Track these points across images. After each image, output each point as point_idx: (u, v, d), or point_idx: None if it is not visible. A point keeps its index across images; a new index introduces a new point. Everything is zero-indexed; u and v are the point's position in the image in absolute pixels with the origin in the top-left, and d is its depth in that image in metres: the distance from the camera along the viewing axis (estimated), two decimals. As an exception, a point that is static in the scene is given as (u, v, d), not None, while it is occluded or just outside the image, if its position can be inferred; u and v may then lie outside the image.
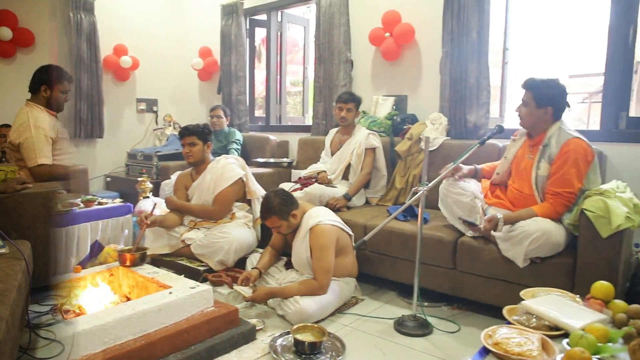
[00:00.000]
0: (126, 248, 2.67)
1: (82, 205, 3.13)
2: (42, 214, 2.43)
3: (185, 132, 3.16)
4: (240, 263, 3.00)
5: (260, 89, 5.64)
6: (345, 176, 3.45)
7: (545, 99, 2.29)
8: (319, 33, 4.07)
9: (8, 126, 3.56)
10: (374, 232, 2.41)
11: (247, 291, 2.54)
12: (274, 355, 2.08)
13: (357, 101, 3.44)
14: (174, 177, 3.79)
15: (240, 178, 3.17)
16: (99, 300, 2.23)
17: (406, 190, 3.31)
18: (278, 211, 2.53)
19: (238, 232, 3.01)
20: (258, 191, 3.26)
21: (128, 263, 2.48)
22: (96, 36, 4.68)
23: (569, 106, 2.36)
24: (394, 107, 3.70)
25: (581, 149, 2.24)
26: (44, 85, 2.88)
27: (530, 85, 2.33)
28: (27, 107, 2.86)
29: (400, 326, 2.40)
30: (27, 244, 2.26)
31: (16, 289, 1.69)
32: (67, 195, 3.00)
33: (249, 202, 3.28)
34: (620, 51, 2.72)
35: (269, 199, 2.56)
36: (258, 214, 2.98)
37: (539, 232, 2.18)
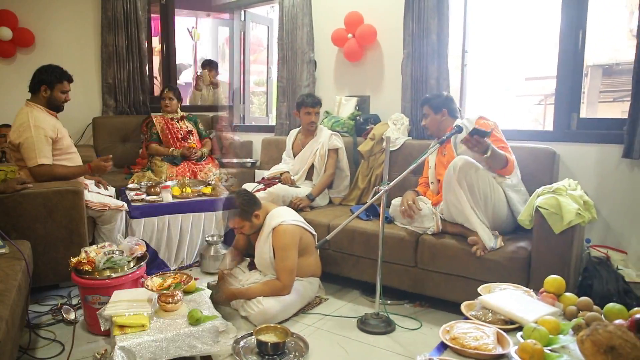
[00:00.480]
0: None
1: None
2: (42, 214, 2.41)
3: None
4: (203, 265, 2.96)
5: (224, 89, 5.57)
6: (309, 177, 3.45)
7: (439, 105, 2.78)
8: (282, 33, 4.05)
9: (8, 126, 3.50)
10: (336, 232, 2.43)
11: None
12: (237, 358, 2.06)
13: (321, 104, 3.44)
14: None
15: (202, 179, 3.13)
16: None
17: (369, 189, 3.34)
18: (241, 212, 2.50)
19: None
20: (221, 192, 3.23)
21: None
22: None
23: (459, 111, 2.85)
24: (357, 107, 3.72)
25: (492, 123, 2.59)
26: (44, 85, 2.83)
27: (425, 100, 2.86)
28: (27, 107, 2.82)
29: (364, 324, 2.42)
30: (27, 244, 2.25)
31: (16, 289, 1.68)
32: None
33: (211, 203, 3.24)
34: (571, 55, 2.84)
35: (232, 199, 2.53)
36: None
37: None
